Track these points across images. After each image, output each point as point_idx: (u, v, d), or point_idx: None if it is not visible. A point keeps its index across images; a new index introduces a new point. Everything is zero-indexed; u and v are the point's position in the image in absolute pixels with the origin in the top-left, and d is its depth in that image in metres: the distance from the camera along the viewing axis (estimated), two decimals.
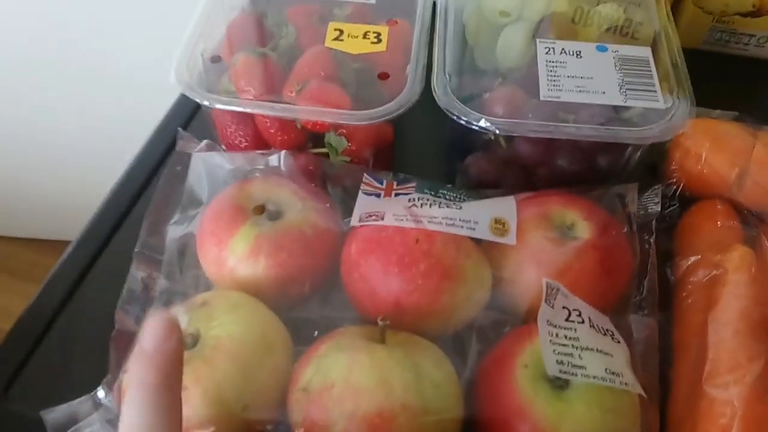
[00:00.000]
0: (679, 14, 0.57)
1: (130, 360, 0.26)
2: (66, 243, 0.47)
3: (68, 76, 1.07)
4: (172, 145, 0.46)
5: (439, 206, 0.36)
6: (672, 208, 0.44)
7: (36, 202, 1.36)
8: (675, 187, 0.44)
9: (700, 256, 0.39)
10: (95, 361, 0.39)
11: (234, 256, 0.36)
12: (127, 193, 0.49)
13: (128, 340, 0.36)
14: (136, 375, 0.25)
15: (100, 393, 0.35)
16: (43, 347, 0.42)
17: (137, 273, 0.40)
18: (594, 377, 0.30)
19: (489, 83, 0.43)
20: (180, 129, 0.46)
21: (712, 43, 0.58)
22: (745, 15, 0.55)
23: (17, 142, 1.22)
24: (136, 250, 0.40)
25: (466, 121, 0.37)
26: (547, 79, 0.39)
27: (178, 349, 0.25)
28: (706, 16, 0.56)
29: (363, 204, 0.38)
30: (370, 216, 0.36)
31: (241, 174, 0.43)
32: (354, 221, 0.37)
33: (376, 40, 0.42)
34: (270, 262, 0.35)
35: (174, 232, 0.41)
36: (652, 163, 0.46)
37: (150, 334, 0.25)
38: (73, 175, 1.25)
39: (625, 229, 0.39)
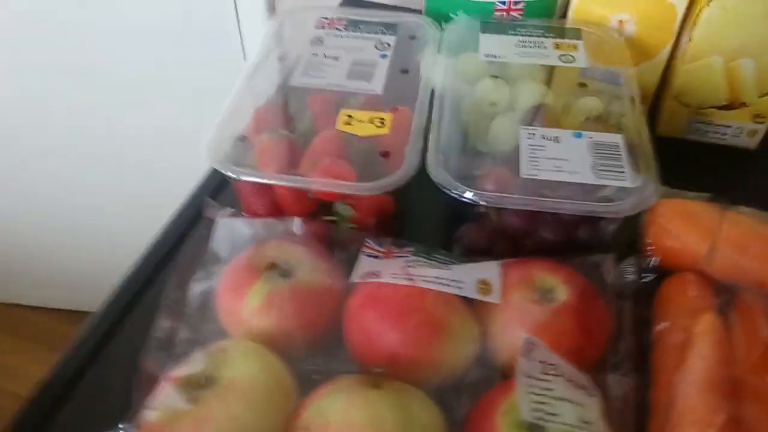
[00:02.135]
0: (661, 106, 0.63)
1: None
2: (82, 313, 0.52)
3: (98, 156, 1.16)
4: (200, 213, 0.51)
5: (431, 267, 0.41)
6: (649, 278, 0.48)
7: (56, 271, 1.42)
8: (650, 259, 0.48)
9: (670, 322, 0.43)
10: (123, 404, 0.43)
11: (248, 308, 0.40)
12: (158, 254, 0.54)
13: (152, 382, 0.40)
14: None
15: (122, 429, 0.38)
16: (75, 394, 0.46)
17: (163, 323, 0.45)
18: (566, 425, 0.34)
19: (478, 164, 0.48)
20: (207, 198, 0.51)
21: (692, 132, 0.64)
22: (719, 108, 0.61)
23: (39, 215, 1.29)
24: (162, 302, 0.45)
25: (456, 194, 0.42)
26: (528, 160, 0.44)
27: None
28: (685, 109, 0.62)
29: (364, 264, 0.43)
30: (369, 274, 0.41)
31: (259, 238, 0.48)
32: (354, 279, 0.41)
33: (380, 124, 0.48)
34: (281, 314, 0.40)
35: (196, 287, 0.46)
36: (631, 237, 0.50)
37: None
38: (93, 250, 1.32)
39: (604, 295, 0.43)
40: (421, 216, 0.54)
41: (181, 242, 0.55)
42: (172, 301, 0.45)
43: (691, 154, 0.63)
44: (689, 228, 0.47)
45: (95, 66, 1.02)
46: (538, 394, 0.35)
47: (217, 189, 0.61)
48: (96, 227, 1.30)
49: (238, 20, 0.94)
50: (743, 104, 0.60)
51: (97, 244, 1.32)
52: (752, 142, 0.63)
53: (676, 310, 0.44)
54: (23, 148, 1.18)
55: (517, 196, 0.42)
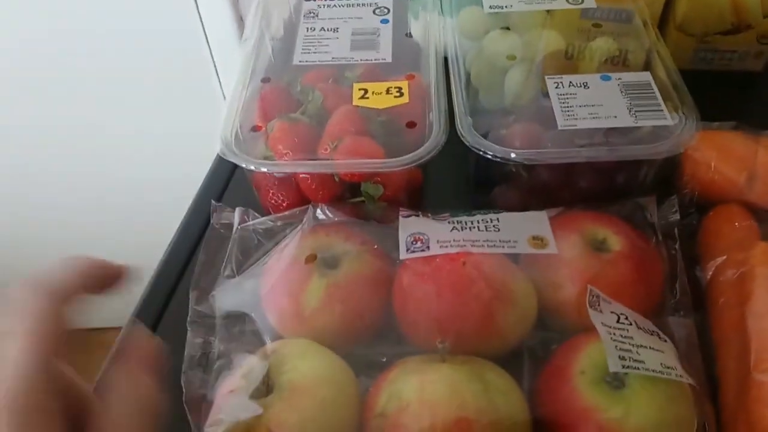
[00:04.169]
0: (664, 39, 0.62)
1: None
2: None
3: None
4: (208, 218, 0.49)
5: (479, 230, 0.39)
6: (690, 215, 0.47)
7: None
8: (690, 196, 0.47)
9: (725, 257, 0.42)
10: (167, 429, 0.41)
11: (309, 307, 0.38)
12: (172, 268, 0.52)
13: (200, 402, 0.38)
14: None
15: None
16: None
17: (194, 340, 0.42)
18: (653, 371, 0.33)
19: (498, 121, 0.46)
20: (214, 201, 0.49)
21: (698, 62, 0.63)
22: (725, 34, 0.60)
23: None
24: (188, 320, 0.43)
25: (494, 156, 0.40)
26: (561, 111, 0.42)
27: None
28: (690, 39, 0.61)
29: (406, 227, 0.41)
30: (417, 240, 0.39)
31: (281, 233, 0.46)
32: (402, 250, 0.39)
33: (398, 93, 0.46)
34: (343, 307, 0.38)
35: (222, 298, 0.43)
36: (664, 178, 0.49)
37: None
38: None
39: (653, 238, 0.42)
40: (447, 186, 0.52)
41: (193, 252, 0.53)
42: (198, 316, 0.43)
43: (699, 84, 0.62)
44: (725, 159, 0.46)
45: (80, 74, 0.98)
46: (622, 342, 0.34)
47: (223, 189, 0.59)
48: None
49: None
50: (749, 26, 0.59)
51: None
52: (758, 65, 0.63)
53: (725, 243, 0.43)
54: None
55: (557, 149, 0.40)
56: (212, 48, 0.93)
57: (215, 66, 0.94)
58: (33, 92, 1.00)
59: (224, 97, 0.98)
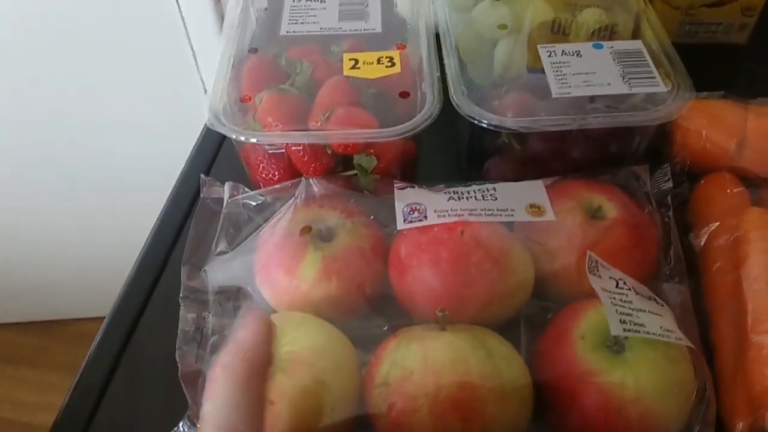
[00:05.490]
0: None
1: (224, 351, 0.27)
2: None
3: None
4: (197, 192, 0.48)
5: (476, 199, 0.39)
6: (682, 184, 0.47)
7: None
8: (681, 165, 0.47)
9: (718, 223, 0.42)
10: (162, 404, 0.40)
11: (306, 281, 0.38)
12: (162, 243, 0.51)
13: (196, 377, 0.38)
14: (228, 364, 0.26)
15: (183, 427, 0.36)
16: (107, 399, 0.42)
17: (187, 315, 0.41)
18: (653, 334, 0.33)
19: (489, 94, 0.46)
20: (203, 175, 0.48)
21: (682, 35, 0.63)
22: (710, 6, 0.60)
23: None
24: (181, 296, 0.42)
25: (489, 124, 0.40)
26: (555, 79, 0.42)
27: (267, 345, 0.27)
28: (675, 11, 0.61)
29: (402, 198, 0.40)
30: (414, 210, 0.38)
31: (272, 208, 0.45)
32: (399, 220, 0.39)
33: (390, 63, 0.45)
34: (340, 279, 0.37)
35: (214, 273, 0.43)
36: (655, 148, 0.49)
37: (244, 329, 0.27)
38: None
39: (647, 206, 0.42)
40: (440, 160, 0.52)
41: (183, 228, 0.52)
42: (190, 291, 0.42)
43: (684, 57, 0.63)
44: (716, 127, 0.46)
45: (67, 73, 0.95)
46: (622, 306, 0.34)
47: (209, 165, 0.58)
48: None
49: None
50: None
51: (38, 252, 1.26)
52: (742, 37, 0.63)
53: (718, 210, 0.44)
54: None
55: (554, 117, 0.40)
56: (189, 29, 0.91)
57: (192, 48, 0.92)
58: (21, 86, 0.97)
59: (203, 82, 0.96)
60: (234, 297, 0.42)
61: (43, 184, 1.12)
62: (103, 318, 0.47)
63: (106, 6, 0.88)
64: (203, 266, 0.43)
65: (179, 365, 0.38)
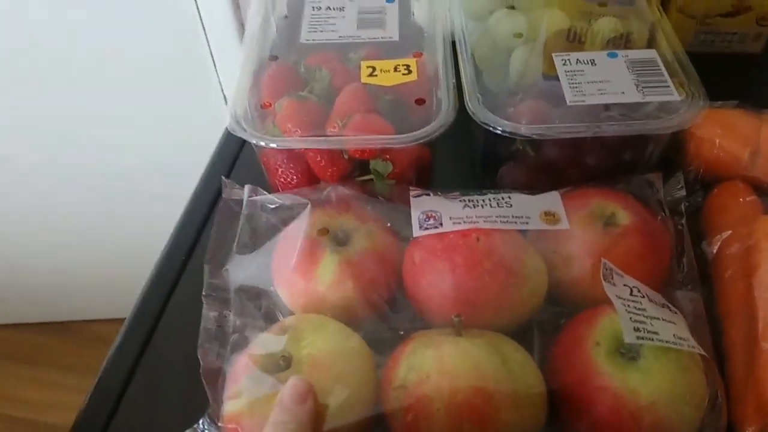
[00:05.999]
0: None
1: (274, 410, 0.32)
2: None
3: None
4: (218, 194, 0.49)
5: (491, 206, 0.40)
6: (695, 192, 0.47)
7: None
8: (694, 173, 0.47)
9: (731, 232, 0.43)
10: (181, 407, 0.41)
11: (323, 283, 0.39)
12: (183, 243, 0.52)
13: (216, 375, 0.38)
14: (277, 419, 0.30)
15: (204, 424, 0.36)
16: (126, 402, 0.43)
17: (209, 313, 0.42)
18: (667, 341, 0.33)
19: (504, 101, 0.46)
20: (224, 177, 0.49)
21: (698, 44, 0.63)
22: (725, 16, 0.61)
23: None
24: (203, 293, 0.43)
25: (504, 131, 0.41)
26: (570, 87, 0.42)
27: (313, 406, 0.32)
28: (691, 21, 0.61)
29: (418, 205, 0.41)
30: (429, 218, 0.39)
31: (290, 211, 0.46)
32: (415, 227, 0.40)
33: (406, 71, 0.46)
34: (356, 282, 0.38)
35: (235, 272, 0.44)
36: (668, 156, 0.50)
37: (288, 393, 0.32)
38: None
39: (660, 214, 0.43)
40: (454, 167, 0.53)
41: (204, 229, 0.53)
42: (212, 289, 0.43)
43: (699, 66, 0.63)
44: (729, 136, 0.47)
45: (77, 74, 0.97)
46: (636, 314, 0.34)
47: (229, 169, 0.59)
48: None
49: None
50: (748, 8, 0.60)
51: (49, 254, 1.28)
52: (757, 47, 0.63)
53: (731, 219, 0.44)
54: None
55: (569, 124, 0.40)
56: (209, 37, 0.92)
57: (212, 54, 0.94)
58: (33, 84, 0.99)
59: (222, 88, 0.98)
60: (255, 297, 0.43)
61: (62, 186, 1.14)
62: (117, 320, 0.48)
63: (127, 16, 0.89)
64: (225, 265, 0.44)
65: (201, 362, 0.39)
